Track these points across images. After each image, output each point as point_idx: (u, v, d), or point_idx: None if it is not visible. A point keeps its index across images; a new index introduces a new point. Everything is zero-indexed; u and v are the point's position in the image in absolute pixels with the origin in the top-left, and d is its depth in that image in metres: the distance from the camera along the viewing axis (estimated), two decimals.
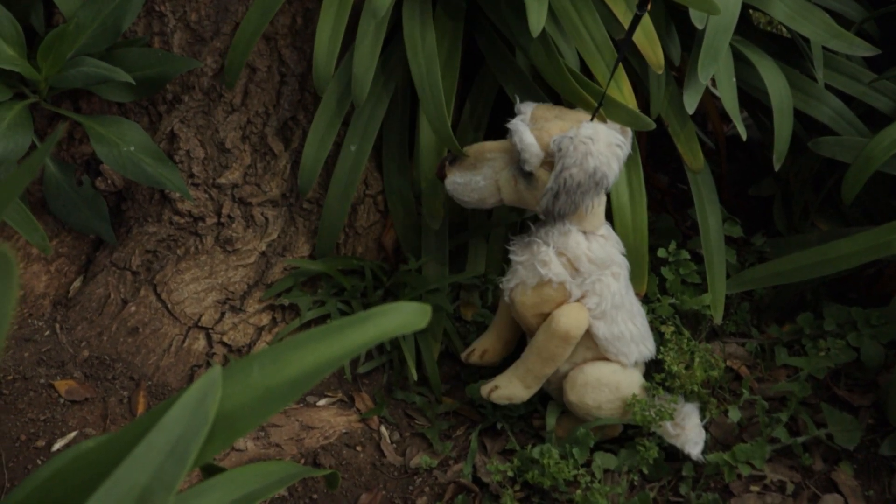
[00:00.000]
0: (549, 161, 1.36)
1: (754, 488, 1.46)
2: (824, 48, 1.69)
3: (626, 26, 1.45)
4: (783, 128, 1.62)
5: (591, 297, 1.42)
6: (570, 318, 1.41)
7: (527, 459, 1.46)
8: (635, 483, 1.48)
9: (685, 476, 1.47)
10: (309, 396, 1.65)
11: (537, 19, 1.37)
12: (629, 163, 1.56)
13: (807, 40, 1.70)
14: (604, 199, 1.43)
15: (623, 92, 1.50)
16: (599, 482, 1.44)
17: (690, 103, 1.55)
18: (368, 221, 1.75)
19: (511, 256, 1.46)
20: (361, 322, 0.71)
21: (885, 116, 1.70)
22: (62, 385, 1.55)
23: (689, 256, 1.71)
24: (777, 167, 1.63)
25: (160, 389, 1.59)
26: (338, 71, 1.58)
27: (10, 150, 1.46)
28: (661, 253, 1.72)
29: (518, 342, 1.58)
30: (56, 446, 1.46)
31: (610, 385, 1.45)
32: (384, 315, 0.71)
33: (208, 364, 1.62)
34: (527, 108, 1.41)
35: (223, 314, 1.65)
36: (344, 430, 1.59)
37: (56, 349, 1.60)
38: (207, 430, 0.61)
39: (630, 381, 1.47)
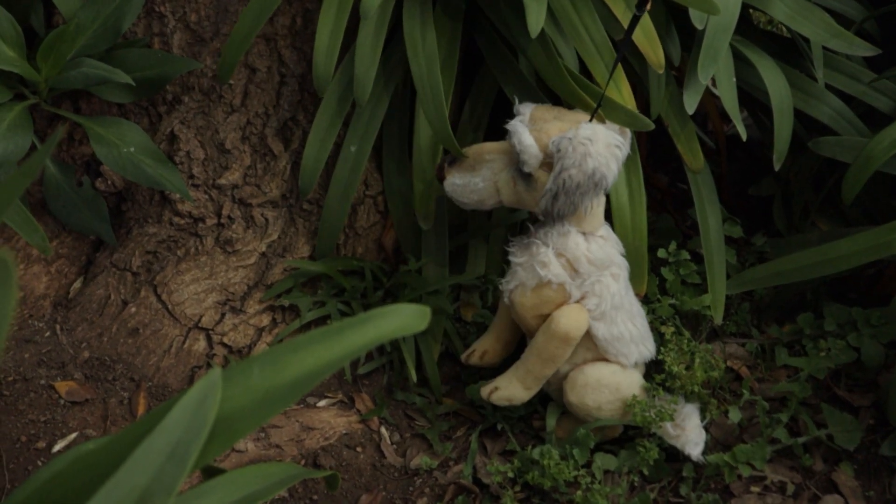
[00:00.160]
0: (547, 162, 1.36)
1: (755, 489, 1.46)
2: (824, 48, 1.69)
3: (626, 26, 1.45)
4: (783, 128, 1.62)
5: (590, 298, 1.42)
6: (570, 320, 1.41)
7: (527, 460, 1.46)
8: (635, 484, 1.48)
9: (685, 477, 1.47)
10: (309, 397, 1.65)
11: (536, 20, 1.37)
12: (628, 163, 1.56)
13: (807, 40, 1.70)
14: (603, 199, 1.43)
15: (622, 93, 1.50)
16: (600, 483, 1.44)
17: (690, 103, 1.55)
18: (368, 222, 1.75)
19: (510, 258, 1.46)
20: (361, 324, 0.71)
21: (886, 116, 1.70)
22: (63, 386, 1.55)
23: (689, 257, 1.71)
24: (777, 167, 1.63)
25: (160, 390, 1.59)
26: (338, 71, 1.58)
27: (10, 151, 1.46)
28: (661, 253, 1.72)
29: (518, 343, 1.58)
30: (56, 447, 1.47)
31: (610, 386, 1.45)
32: (383, 317, 0.72)
33: (209, 365, 1.62)
34: (526, 109, 1.41)
35: (223, 315, 1.65)
36: (344, 431, 1.59)
37: (56, 350, 1.60)
38: (207, 433, 0.61)
39: (630, 382, 1.47)
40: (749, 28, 1.81)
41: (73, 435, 1.49)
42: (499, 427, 1.59)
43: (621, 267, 1.45)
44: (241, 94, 1.64)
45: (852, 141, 1.66)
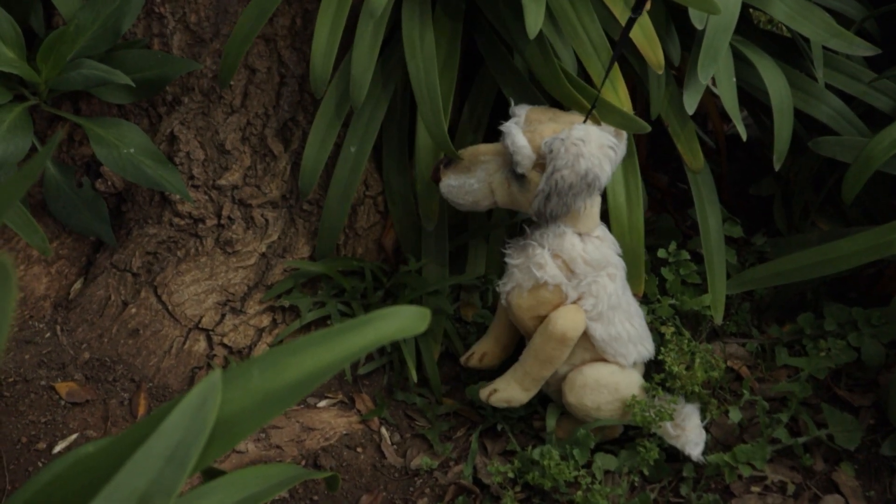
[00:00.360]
0: (541, 163, 1.36)
1: (755, 489, 1.46)
2: (824, 47, 1.69)
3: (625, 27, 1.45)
4: (783, 127, 1.62)
5: (587, 298, 1.42)
6: (567, 321, 1.41)
7: (527, 461, 1.46)
8: (636, 484, 1.48)
9: (686, 477, 1.47)
10: (309, 398, 1.65)
11: (534, 21, 1.37)
12: (626, 163, 1.56)
13: (807, 39, 1.70)
14: (598, 200, 1.43)
15: (619, 94, 1.50)
16: (600, 483, 1.44)
17: (690, 103, 1.55)
18: (368, 222, 1.75)
19: (506, 259, 1.46)
20: (360, 326, 0.71)
21: (886, 116, 1.70)
22: (63, 387, 1.55)
23: (689, 257, 1.71)
24: (777, 167, 1.63)
25: (161, 391, 1.59)
26: (338, 72, 1.58)
27: (10, 152, 1.46)
28: (661, 253, 1.72)
29: (517, 344, 1.58)
30: (57, 448, 1.47)
31: (609, 386, 1.45)
32: (383, 319, 0.72)
33: (209, 366, 1.62)
34: (521, 111, 1.42)
35: (223, 316, 1.65)
36: (344, 432, 1.59)
37: (57, 351, 1.60)
38: (207, 435, 0.62)
39: (629, 382, 1.47)
40: (749, 28, 1.81)
41: (74, 436, 1.49)
42: (499, 427, 1.59)
43: (618, 267, 1.45)
44: (240, 95, 1.64)
45: (852, 141, 1.66)
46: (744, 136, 1.58)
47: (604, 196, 1.53)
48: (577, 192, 1.33)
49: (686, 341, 1.53)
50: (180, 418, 0.61)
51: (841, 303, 1.69)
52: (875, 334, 1.59)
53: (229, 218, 1.67)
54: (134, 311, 1.64)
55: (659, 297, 1.66)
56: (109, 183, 1.67)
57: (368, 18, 1.46)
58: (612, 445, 1.53)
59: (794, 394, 1.52)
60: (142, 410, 1.54)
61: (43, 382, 1.55)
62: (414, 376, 1.60)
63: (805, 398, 1.57)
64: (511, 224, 1.71)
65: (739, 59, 1.66)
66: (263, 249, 1.69)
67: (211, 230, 1.68)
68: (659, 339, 1.57)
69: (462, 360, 1.62)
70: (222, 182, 1.66)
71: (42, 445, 1.47)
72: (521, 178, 1.39)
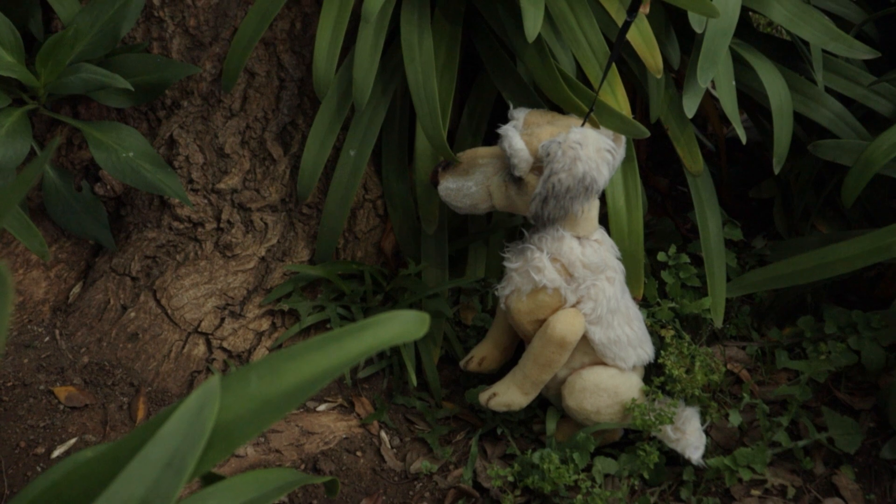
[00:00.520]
0: (538, 166, 1.36)
1: (755, 492, 1.46)
2: (824, 51, 1.69)
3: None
4: (783, 131, 1.62)
5: (586, 302, 1.41)
6: (566, 324, 1.40)
7: (527, 464, 1.45)
8: (636, 488, 1.48)
9: (686, 480, 1.47)
10: (309, 401, 1.65)
11: (533, 24, 1.37)
12: (625, 167, 1.56)
13: (806, 43, 1.70)
14: (597, 203, 1.43)
15: (617, 97, 1.50)
16: (600, 487, 1.44)
17: (690, 107, 1.55)
18: (368, 226, 1.75)
19: (505, 263, 1.46)
20: (359, 331, 0.71)
21: (885, 119, 1.70)
22: (62, 391, 1.54)
23: (688, 260, 1.71)
24: (777, 170, 1.63)
25: (160, 395, 1.58)
26: (337, 75, 1.58)
27: (9, 156, 1.46)
28: (660, 257, 1.72)
29: (517, 348, 1.58)
30: (56, 453, 1.46)
31: (608, 390, 1.45)
32: (382, 324, 0.71)
33: (208, 370, 1.62)
34: (520, 114, 1.42)
35: (223, 320, 1.65)
36: (344, 436, 1.58)
37: (56, 355, 1.60)
38: (205, 442, 0.61)
39: (629, 385, 1.47)
40: (749, 31, 1.81)
41: (73, 440, 1.49)
42: (499, 431, 1.58)
43: (617, 270, 1.45)
44: (240, 99, 1.64)
45: (852, 144, 1.66)
46: (743, 140, 1.58)
47: (603, 199, 1.53)
48: (574, 195, 1.33)
49: (686, 345, 1.53)
50: (178, 424, 0.61)
51: (841, 306, 1.69)
52: (875, 337, 1.59)
53: (228, 222, 1.67)
54: (133, 315, 1.64)
55: (659, 300, 1.66)
56: (108, 187, 1.67)
57: (363, 22, 1.46)
58: (612, 449, 1.53)
59: (795, 397, 1.52)
60: (141, 415, 1.54)
61: (42, 387, 1.54)
62: (413, 380, 1.60)
63: (805, 401, 1.57)
64: (511, 227, 1.71)
65: (739, 63, 1.66)
66: (263, 253, 1.69)
67: (210, 234, 1.67)
68: (659, 343, 1.57)
69: (461, 364, 1.61)
70: (221, 186, 1.66)
71: (41, 450, 1.46)
72: (518, 182, 1.39)
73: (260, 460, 1.51)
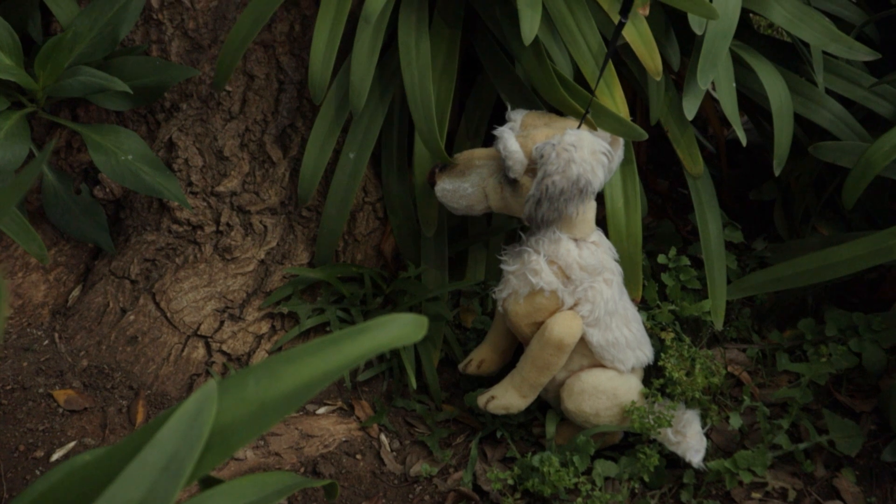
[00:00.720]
0: (533, 168, 1.35)
1: (756, 495, 1.45)
2: (824, 52, 1.68)
3: (625, 34, 1.45)
4: (783, 133, 1.62)
5: (583, 304, 1.41)
6: (563, 327, 1.40)
7: (527, 467, 1.45)
8: (636, 491, 1.47)
9: (686, 483, 1.46)
10: (308, 405, 1.64)
11: (530, 27, 1.37)
12: (624, 168, 1.56)
13: (807, 44, 1.69)
14: (593, 205, 1.43)
15: (615, 99, 1.50)
16: (600, 490, 1.43)
17: (690, 109, 1.55)
18: (367, 229, 1.74)
19: (502, 266, 1.46)
20: (357, 334, 0.71)
21: (886, 121, 1.70)
22: (61, 394, 1.54)
23: (689, 262, 1.71)
24: (777, 172, 1.62)
25: (159, 398, 1.58)
26: (336, 78, 1.58)
27: (7, 159, 1.46)
28: (661, 259, 1.71)
29: (515, 351, 1.58)
30: (55, 456, 1.46)
31: (607, 392, 1.45)
32: (380, 327, 0.71)
33: (207, 373, 1.62)
34: (517, 115, 1.42)
35: (222, 323, 1.65)
36: (344, 439, 1.58)
37: (55, 358, 1.60)
38: (203, 446, 0.61)
39: (628, 388, 1.47)
40: (749, 33, 1.81)
41: (72, 444, 1.49)
42: (498, 434, 1.58)
43: (614, 272, 1.45)
44: (239, 102, 1.64)
45: (853, 146, 1.65)
46: (744, 142, 1.58)
47: (601, 201, 1.53)
48: (568, 197, 1.33)
49: (686, 347, 1.52)
50: (175, 428, 0.61)
51: (842, 308, 1.69)
52: (876, 339, 1.59)
53: (228, 224, 1.67)
54: (132, 318, 1.64)
55: (659, 302, 1.66)
56: (108, 190, 1.67)
57: (365, 24, 1.46)
58: (613, 452, 1.52)
59: (795, 399, 1.51)
60: (140, 418, 1.54)
61: (41, 390, 1.54)
62: (413, 383, 1.60)
63: (806, 404, 1.57)
64: (511, 230, 1.71)
65: (739, 64, 1.66)
66: (262, 256, 1.69)
67: (209, 237, 1.67)
68: (659, 345, 1.57)
69: (460, 367, 1.61)
70: (221, 189, 1.66)
71: (40, 453, 1.46)
72: (513, 183, 1.39)
73: (259, 463, 1.51)
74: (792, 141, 1.63)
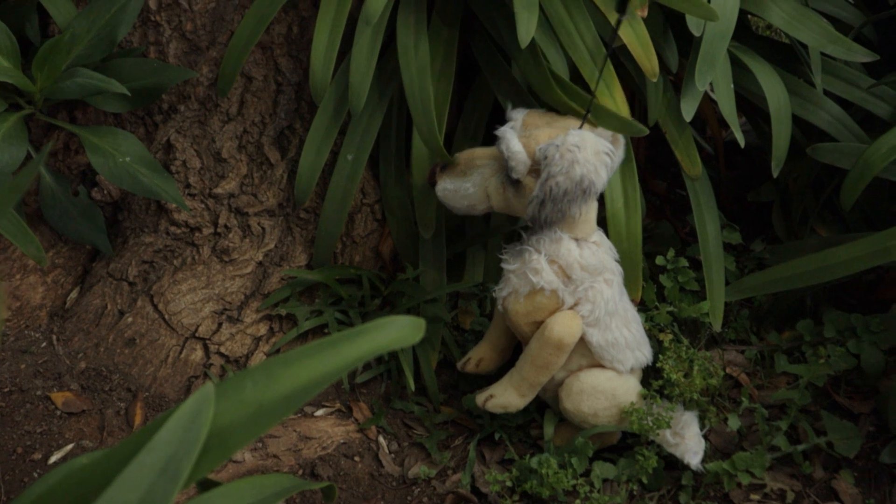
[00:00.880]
0: (536, 169, 1.35)
1: (754, 497, 1.45)
2: (823, 53, 1.68)
3: (622, 35, 1.45)
4: (781, 134, 1.62)
5: (584, 304, 1.41)
6: (563, 326, 1.40)
7: (525, 469, 1.45)
8: (634, 492, 1.47)
9: (685, 485, 1.46)
10: (306, 406, 1.64)
11: (526, 30, 1.37)
12: (624, 169, 1.56)
13: (805, 46, 1.69)
14: (595, 205, 1.43)
15: (615, 99, 1.50)
16: (598, 492, 1.43)
17: (688, 110, 1.55)
18: (366, 230, 1.74)
19: (503, 265, 1.46)
20: (355, 337, 0.71)
21: (884, 122, 1.70)
22: (59, 397, 1.54)
23: (687, 264, 1.71)
24: (775, 173, 1.62)
25: (157, 401, 1.58)
26: (334, 79, 1.58)
27: (4, 161, 1.46)
28: (659, 260, 1.71)
29: (514, 350, 1.58)
30: (53, 459, 1.46)
31: (606, 392, 1.45)
32: (378, 330, 0.71)
33: (205, 375, 1.62)
34: (518, 115, 1.41)
35: (220, 325, 1.65)
36: (342, 441, 1.58)
37: (53, 361, 1.59)
38: (200, 448, 0.61)
39: (626, 388, 1.46)
40: (747, 34, 1.81)
41: (70, 446, 1.48)
42: (497, 436, 1.58)
43: (615, 272, 1.45)
44: (237, 103, 1.64)
45: (851, 147, 1.65)
46: (742, 143, 1.58)
47: (602, 202, 1.53)
48: (571, 198, 1.33)
49: (684, 348, 1.52)
50: (172, 431, 0.61)
51: (840, 309, 1.69)
52: (874, 341, 1.59)
53: (226, 226, 1.67)
54: (130, 320, 1.63)
55: (657, 304, 1.66)
56: (105, 192, 1.67)
57: (365, 26, 1.46)
58: (611, 453, 1.52)
59: (794, 401, 1.51)
60: (138, 420, 1.54)
61: (39, 392, 1.54)
62: (412, 385, 1.60)
63: (804, 405, 1.57)
64: (510, 231, 1.70)
65: (737, 66, 1.66)
66: (260, 258, 1.69)
67: (207, 239, 1.67)
68: (657, 347, 1.56)
69: (458, 365, 1.61)
70: (219, 190, 1.66)
71: (38, 456, 1.46)
72: (516, 184, 1.38)
73: (257, 466, 1.51)
74: (790, 142, 1.63)
